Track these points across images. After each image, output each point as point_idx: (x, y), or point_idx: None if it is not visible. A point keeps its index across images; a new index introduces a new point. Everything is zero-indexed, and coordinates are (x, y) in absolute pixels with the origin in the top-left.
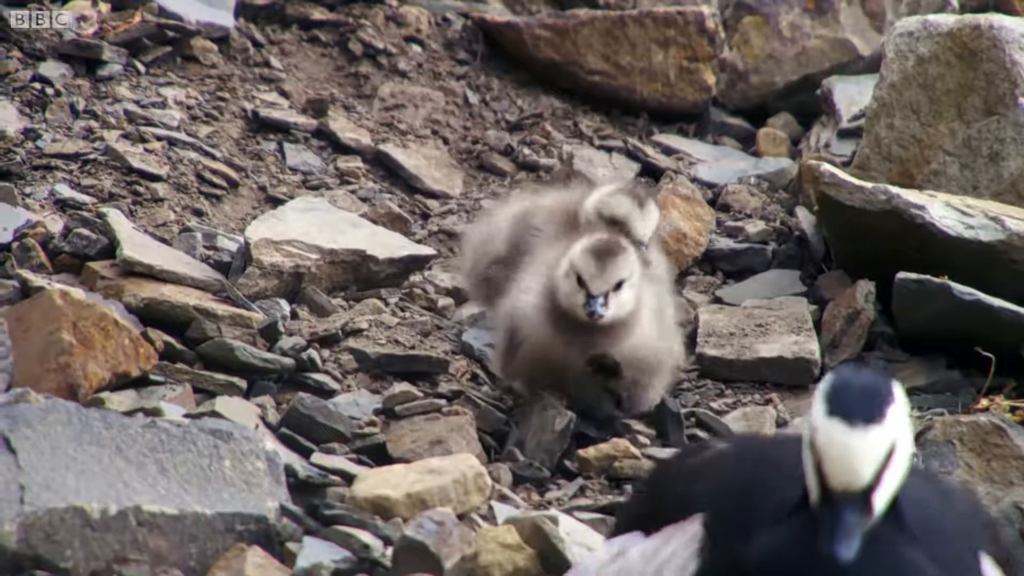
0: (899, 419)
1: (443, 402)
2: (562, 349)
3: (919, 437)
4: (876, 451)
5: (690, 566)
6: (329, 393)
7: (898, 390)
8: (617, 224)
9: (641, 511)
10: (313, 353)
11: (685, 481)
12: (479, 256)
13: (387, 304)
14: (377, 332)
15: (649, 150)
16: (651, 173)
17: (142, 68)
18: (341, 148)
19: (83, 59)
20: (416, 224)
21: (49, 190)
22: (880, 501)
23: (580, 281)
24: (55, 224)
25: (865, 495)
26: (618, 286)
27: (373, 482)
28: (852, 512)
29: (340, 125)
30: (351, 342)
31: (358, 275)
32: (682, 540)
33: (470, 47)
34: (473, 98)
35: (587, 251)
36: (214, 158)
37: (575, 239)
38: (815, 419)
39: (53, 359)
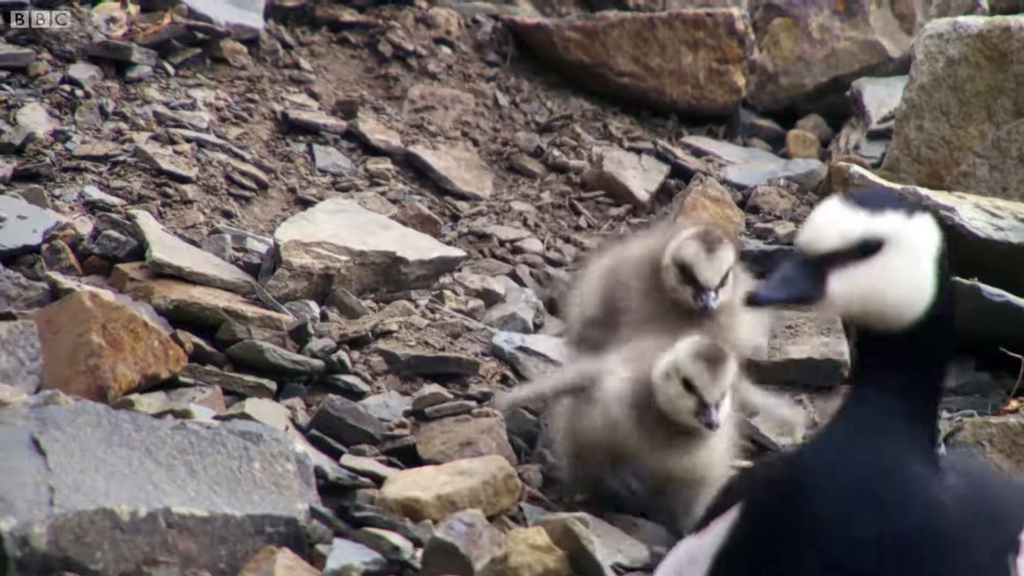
0: (903, 230)
1: (473, 404)
2: (635, 443)
3: (948, 439)
4: (846, 226)
5: (719, 541)
6: (359, 395)
7: (925, 220)
8: (685, 269)
9: (703, 516)
10: (343, 355)
11: (739, 482)
12: (576, 319)
13: (417, 306)
14: (407, 334)
15: (679, 152)
16: (681, 175)
17: (171, 70)
18: (371, 150)
19: (112, 61)
20: (446, 226)
21: (78, 192)
22: (840, 290)
23: (690, 387)
24: (84, 226)
25: (820, 265)
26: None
27: (403, 484)
28: (797, 267)
29: (370, 127)
30: (381, 344)
31: (388, 277)
32: (719, 526)
33: (500, 49)
34: (503, 100)
35: (698, 357)
36: (243, 160)
37: (660, 296)
38: None
39: (82, 361)
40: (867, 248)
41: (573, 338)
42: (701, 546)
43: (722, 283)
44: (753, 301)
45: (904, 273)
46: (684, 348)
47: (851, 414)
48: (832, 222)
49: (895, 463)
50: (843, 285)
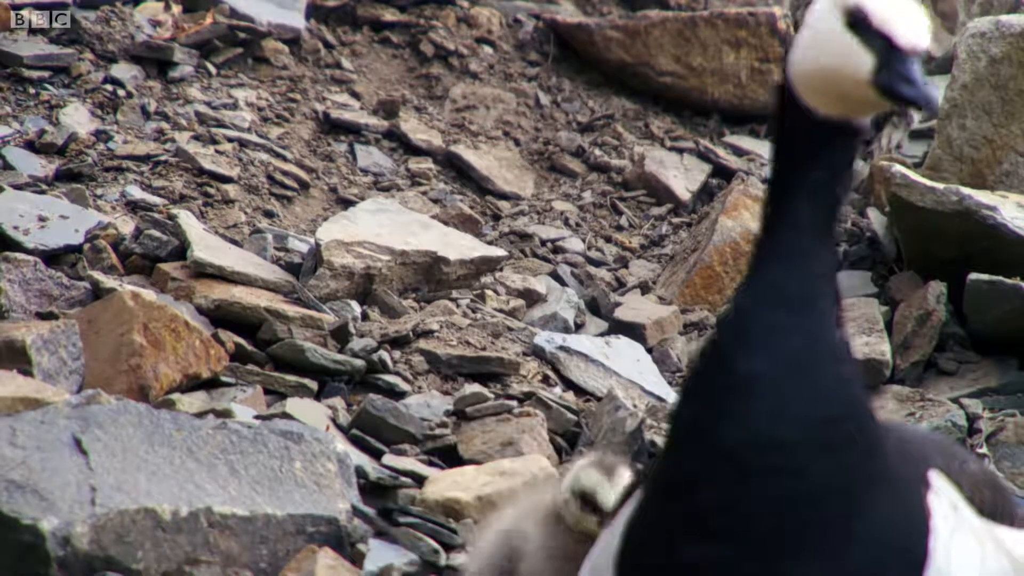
0: None
1: (514, 403)
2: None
3: (991, 438)
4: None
5: (623, 519)
6: (400, 394)
7: None
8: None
9: (616, 507)
10: (384, 354)
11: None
12: None
13: (458, 305)
14: (448, 333)
15: (720, 151)
16: (722, 174)
17: (213, 69)
18: (412, 149)
19: (154, 61)
20: (487, 225)
21: (120, 191)
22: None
23: (589, 502)
24: (126, 226)
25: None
26: None
27: (444, 484)
28: (921, 68)
29: (411, 126)
30: (422, 343)
31: (429, 276)
32: (624, 510)
33: (541, 48)
34: (544, 99)
35: (594, 468)
36: (285, 159)
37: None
38: None
39: (124, 360)
40: None
41: None
42: (609, 532)
43: None
44: (932, 108)
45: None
46: (578, 466)
47: (789, 250)
48: (926, 23)
49: (829, 336)
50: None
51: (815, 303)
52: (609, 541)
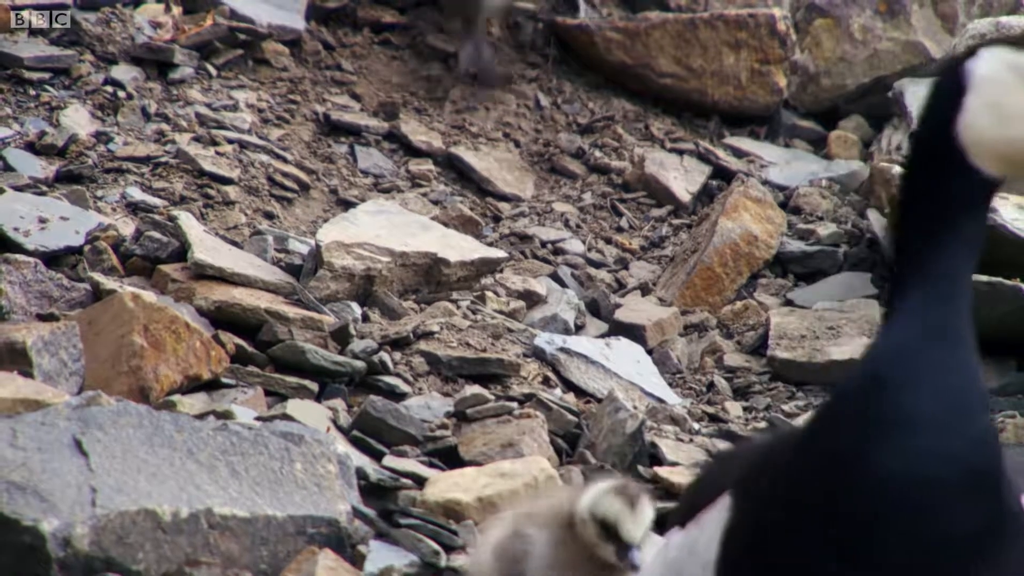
0: None
1: (515, 405)
2: None
3: None
4: None
5: (719, 530)
6: (400, 396)
7: None
8: (607, 526)
9: (683, 507)
10: (384, 356)
11: (719, 468)
12: None
13: (458, 307)
14: (448, 335)
15: (720, 152)
16: (722, 175)
17: (213, 71)
18: (412, 151)
19: (155, 62)
20: (487, 227)
21: (121, 193)
22: None
23: (608, 528)
24: (126, 227)
25: None
26: None
27: (444, 486)
28: None
29: (411, 128)
30: (422, 345)
31: (429, 278)
32: (712, 514)
33: (542, 50)
34: (544, 101)
35: (616, 495)
36: (285, 161)
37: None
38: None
39: (124, 362)
40: None
41: None
42: (698, 538)
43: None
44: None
45: None
46: (599, 489)
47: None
48: None
49: (982, 380)
50: None
51: (968, 342)
52: (697, 545)
